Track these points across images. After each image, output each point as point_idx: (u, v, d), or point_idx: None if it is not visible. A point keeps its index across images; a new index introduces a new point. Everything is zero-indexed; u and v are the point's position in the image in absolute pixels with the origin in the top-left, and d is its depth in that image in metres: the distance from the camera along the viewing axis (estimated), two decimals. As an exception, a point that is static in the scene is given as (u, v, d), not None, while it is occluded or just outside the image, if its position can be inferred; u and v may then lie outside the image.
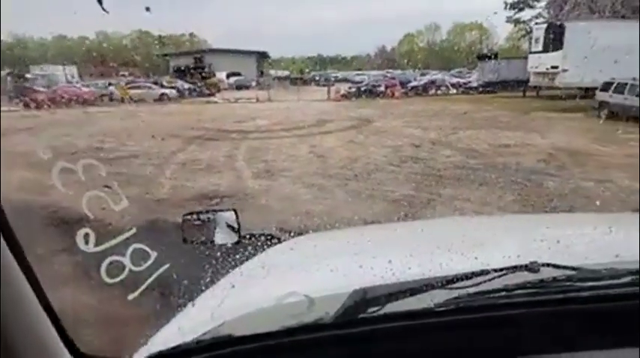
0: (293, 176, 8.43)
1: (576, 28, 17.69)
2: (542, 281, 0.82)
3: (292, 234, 1.95)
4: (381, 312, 0.79)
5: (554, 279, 0.82)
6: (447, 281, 0.82)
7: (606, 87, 14.56)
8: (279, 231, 4.84)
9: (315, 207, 6.41)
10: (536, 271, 0.83)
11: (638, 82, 13.44)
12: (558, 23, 19.71)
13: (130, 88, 25.57)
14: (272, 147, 11.22)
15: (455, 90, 25.77)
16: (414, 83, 26.66)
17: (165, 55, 37.64)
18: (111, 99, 24.27)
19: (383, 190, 7.21)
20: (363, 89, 24.87)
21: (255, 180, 8.30)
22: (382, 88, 24.60)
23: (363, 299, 0.81)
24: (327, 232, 1.98)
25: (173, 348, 0.79)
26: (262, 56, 37.62)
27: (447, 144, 10.81)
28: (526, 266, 0.84)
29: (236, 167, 9.39)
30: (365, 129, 13.56)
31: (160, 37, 34.49)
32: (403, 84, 25.85)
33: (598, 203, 5.98)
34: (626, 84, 13.73)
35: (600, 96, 14.88)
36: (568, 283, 0.82)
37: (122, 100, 23.67)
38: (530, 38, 22.17)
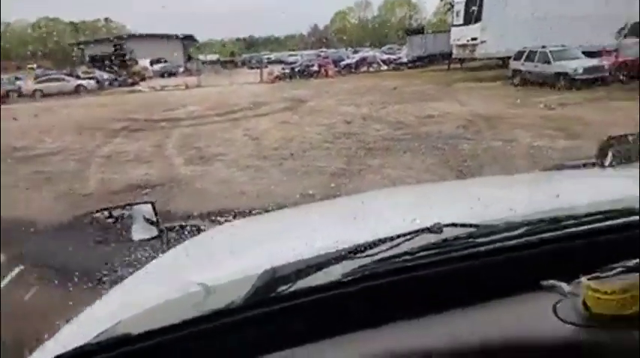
0: (228, 160, 8.32)
1: (494, 0, 18.53)
2: (445, 240, 0.84)
3: (223, 218, 1.89)
4: (292, 290, 0.77)
5: (456, 238, 0.84)
6: (354, 252, 0.82)
7: (519, 56, 15.50)
8: (216, 214, 4.91)
9: (251, 187, 6.46)
10: (439, 232, 0.85)
11: (547, 50, 14.49)
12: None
13: (41, 82, 23.25)
14: (205, 133, 10.92)
15: (386, 67, 26.35)
16: (346, 61, 26.91)
17: (80, 43, 34.68)
18: (19, 95, 22.07)
19: (317, 166, 7.38)
20: (296, 70, 24.67)
21: (187, 166, 8.11)
22: (316, 68, 24.55)
23: (272, 278, 0.79)
24: (249, 218, 1.95)
25: (73, 350, 0.71)
26: (189, 40, 35.79)
27: (377, 118, 11.15)
28: (428, 228, 0.85)
29: (167, 155, 9.08)
30: (299, 110, 13.55)
31: (71, 23, 31.58)
32: (336, 62, 25.98)
33: (503, 159, 6.82)
34: (537, 52, 14.74)
35: (513, 64, 15.88)
36: (470, 240, 0.84)
37: (32, 95, 21.55)
38: (453, 12, 23.03)
